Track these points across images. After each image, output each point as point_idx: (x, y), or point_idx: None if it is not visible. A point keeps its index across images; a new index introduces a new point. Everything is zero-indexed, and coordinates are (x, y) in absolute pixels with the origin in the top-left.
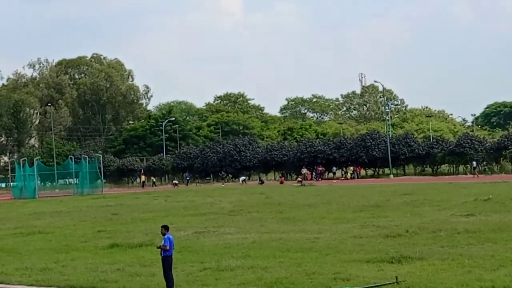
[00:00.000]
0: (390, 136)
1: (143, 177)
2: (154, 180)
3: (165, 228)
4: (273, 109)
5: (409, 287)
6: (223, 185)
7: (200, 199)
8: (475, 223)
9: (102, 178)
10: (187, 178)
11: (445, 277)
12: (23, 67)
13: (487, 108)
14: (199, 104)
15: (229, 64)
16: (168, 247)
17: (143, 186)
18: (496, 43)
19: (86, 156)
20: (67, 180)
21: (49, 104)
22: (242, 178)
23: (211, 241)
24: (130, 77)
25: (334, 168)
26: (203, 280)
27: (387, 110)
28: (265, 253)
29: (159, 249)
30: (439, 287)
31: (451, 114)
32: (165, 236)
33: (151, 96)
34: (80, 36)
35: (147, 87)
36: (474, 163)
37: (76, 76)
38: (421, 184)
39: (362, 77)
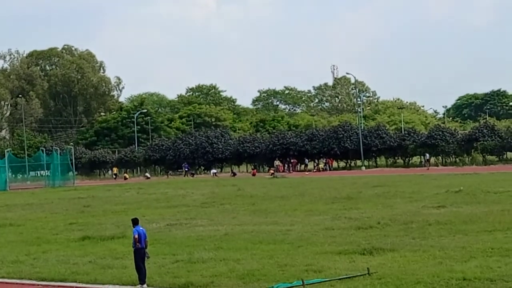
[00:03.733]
0: (362, 128)
1: (115, 169)
2: (127, 176)
3: (132, 221)
4: (245, 101)
5: (381, 278)
6: (190, 178)
7: (172, 191)
8: (446, 214)
9: (74, 170)
10: (186, 169)
11: (417, 269)
12: None
13: (458, 100)
14: (171, 96)
15: (201, 56)
16: (136, 236)
17: (115, 178)
18: (467, 36)
19: (58, 148)
20: (38, 172)
21: (20, 96)
22: (213, 171)
23: (183, 233)
24: (101, 68)
25: (306, 160)
26: (175, 272)
27: (359, 102)
28: (237, 245)
29: (141, 248)
30: (410, 278)
31: (423, 106)
32: (134, 229)
33: (123, 87)
34: (51, 27)
35: (119, 79)
36: (427, 155)
37: (47, 68)
38: (393, 176)
39: (334, 69)
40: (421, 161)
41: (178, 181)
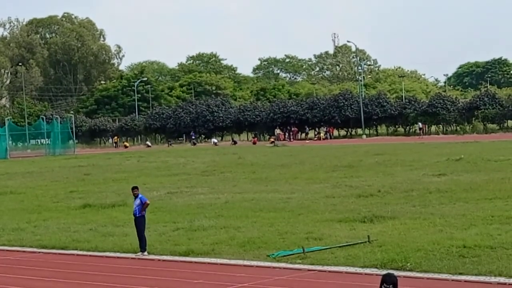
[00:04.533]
0: (363, 96)
1: (115, 138)
2: (127, 144)
3: (136, 188)
4: (246, 69)
5: (381, 246)
6: (192, 146)
7: (173, 159)
8: (447, 182)
9: (74, 139)
10: (193, 137)
11: (417, 236)
12: None
13: (459, 68)
14: (172, 64)
15: (202, 24)
16: (149, 202)
17: (115, 146)
18: (469, 3)
19: (58, 117)
20: (38, 141)
21: (20, 64)
22: (214, 140)
23: (184, 201)
24: (101, 36)
25: (307, 128)
26: (176, 240)
27: (360, 71)
28: (237, 213)
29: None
30: (410, 245)
31: (424, 74)
32: (139, 196)
33: (123, 56)
34: None
35: (119, 47)
36: (420, 124)
37: (47, 36)
38: (394, 144)
39: (335, 37)
40: (414, 130)
41: (178, 150)
